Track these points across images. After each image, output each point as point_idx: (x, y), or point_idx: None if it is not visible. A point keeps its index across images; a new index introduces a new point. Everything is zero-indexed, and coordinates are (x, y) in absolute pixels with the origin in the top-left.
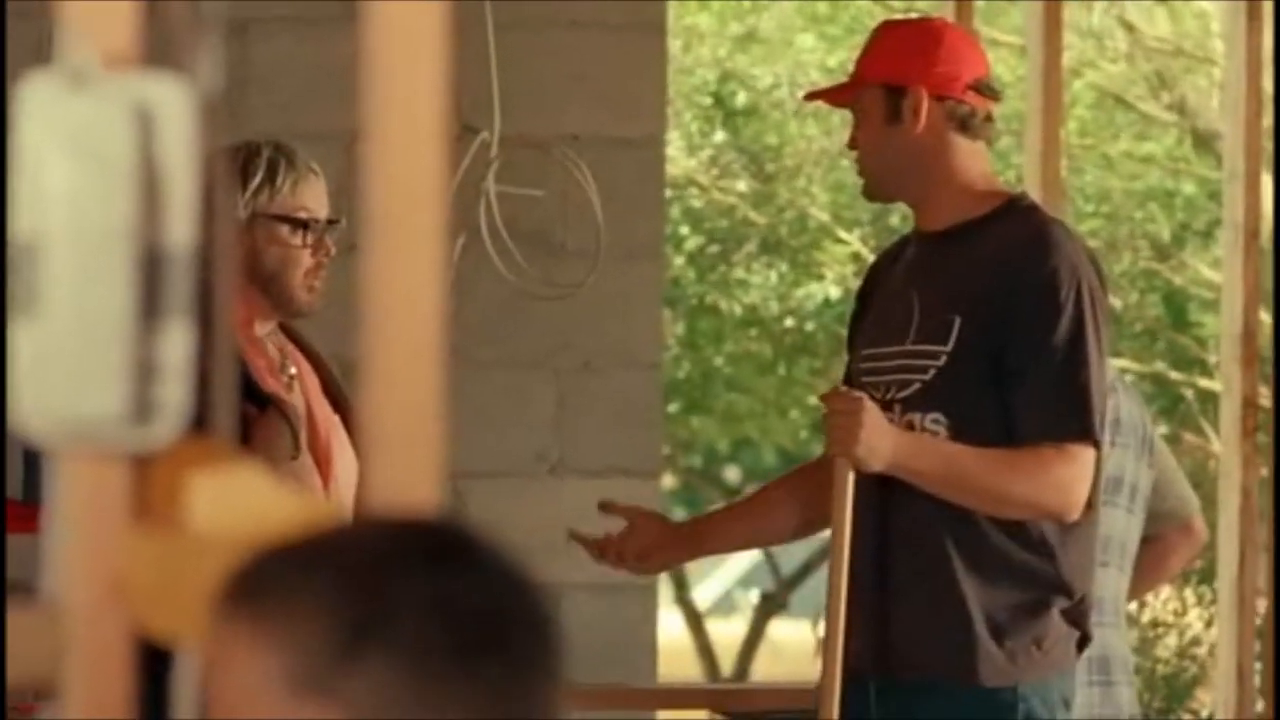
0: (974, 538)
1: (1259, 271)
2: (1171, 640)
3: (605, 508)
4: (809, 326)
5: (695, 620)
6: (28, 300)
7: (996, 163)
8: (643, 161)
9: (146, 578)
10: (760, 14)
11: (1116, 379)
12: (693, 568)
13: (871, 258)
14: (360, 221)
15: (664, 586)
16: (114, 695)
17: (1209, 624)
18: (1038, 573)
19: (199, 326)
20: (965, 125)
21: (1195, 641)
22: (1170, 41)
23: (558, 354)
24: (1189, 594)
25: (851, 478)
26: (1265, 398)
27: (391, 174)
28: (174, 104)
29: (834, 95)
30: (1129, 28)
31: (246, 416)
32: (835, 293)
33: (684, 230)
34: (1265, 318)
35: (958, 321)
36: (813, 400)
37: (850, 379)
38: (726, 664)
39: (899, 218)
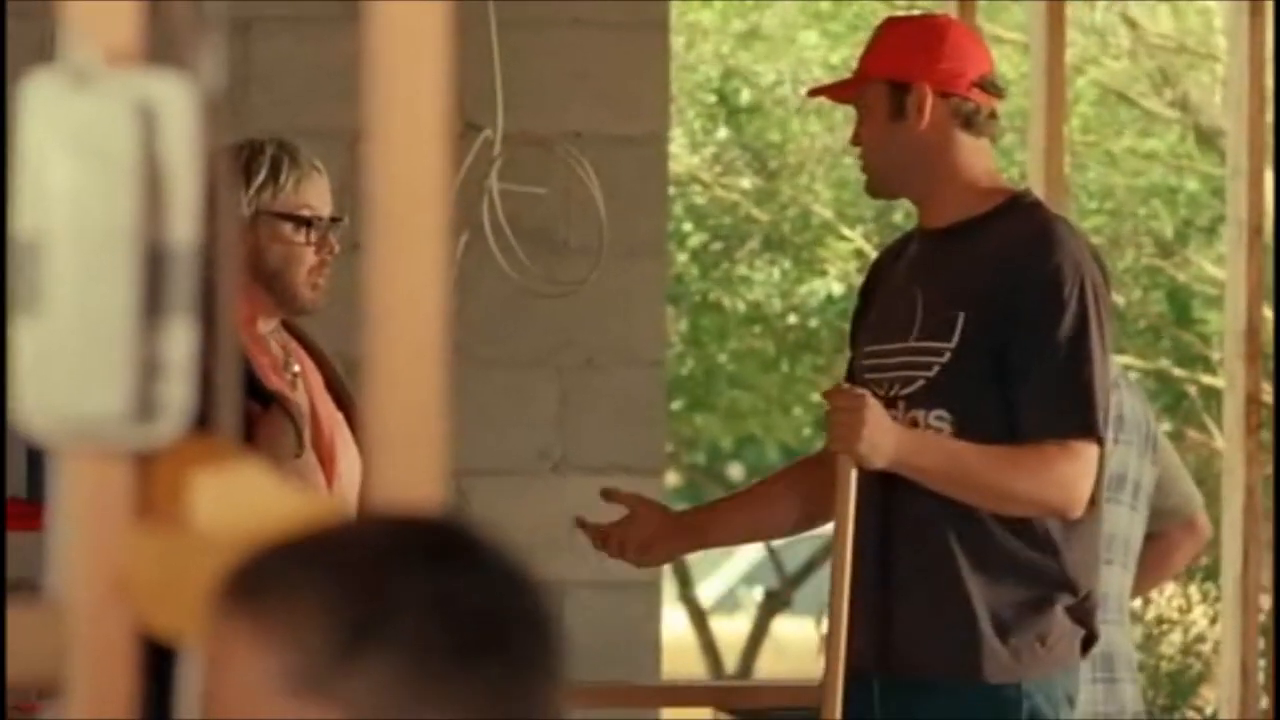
0: (978, 534)
1: (1262, 268)
2: (1176, 637)
3: (608, 495)
4: (812, 323)
5: (699, 618)
6: (30, 298)
7: (1000, 160)
8: (645, 159)
9: (149, 576)
10: (763, 11)
11: (1120, 375)
12: (696, 565)
13: (874, 255)
14: (363, 220)
15: (668, 584)
16: (117, 694)
17: (1213, 621)
18: (1042, 570)
19: (202, 324)
20: (969, 122)
21: (1199, 638)
22: (1173, 38)
23: (560, 351)
24: (1193, 591)
25: (854, 474)
26: (1269, 394)
27: (394, 172)
28: (177, 102)
29: (838, 91)
30: (1132, 24)
31: (250, 414)
32: (838, 289)
33: (687, 227)
34: (1268, 314)
35: (961, 318)
36: (816, 397)
37: (853, 376)
38: (730, 661)
39: (902, 214)
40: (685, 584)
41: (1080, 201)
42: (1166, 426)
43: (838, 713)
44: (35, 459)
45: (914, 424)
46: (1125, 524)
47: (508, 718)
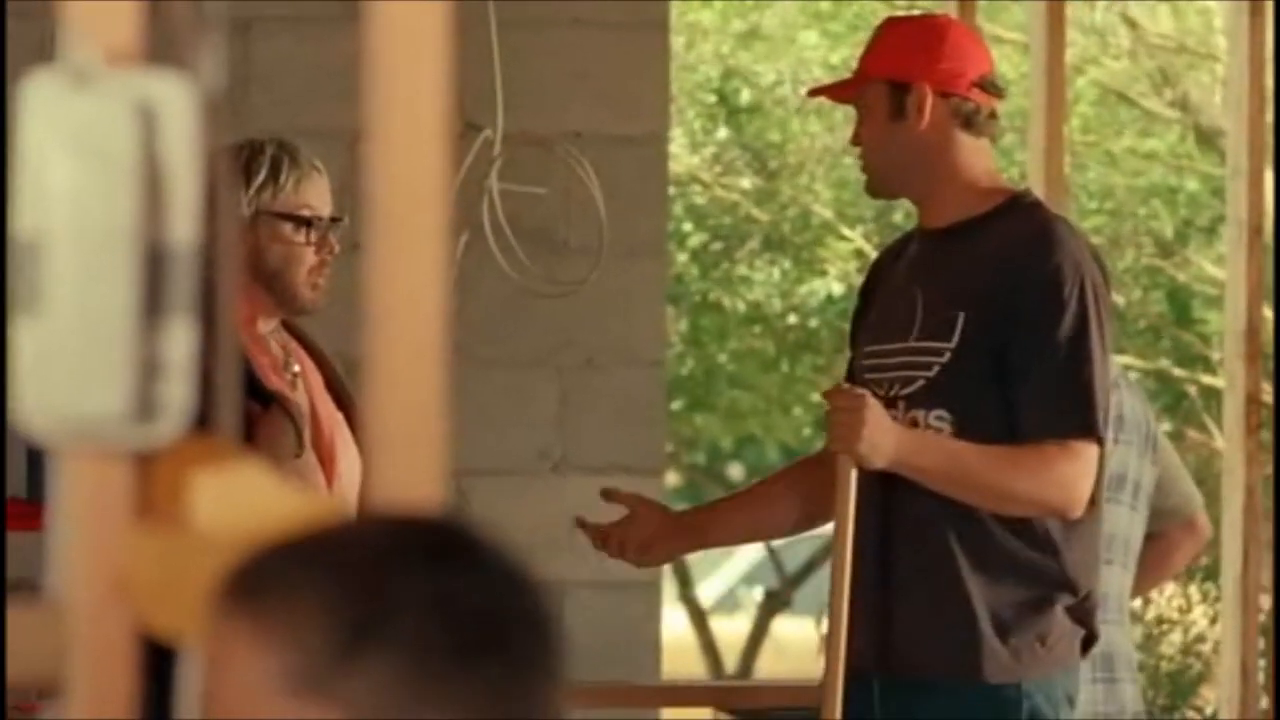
0: (978, 534)
1: (1262, 268)
2: (1176, 637)
3: (608, 495)
4: (812, 323)
5: (699, 618)
6: (30, 298)
7: (1000, 160)
8: (645, 159)
9: (150, 576)
10: (763, 11)
11: (1120, 375)
12: (696, 565)
13: (874, 255)
14: (363, 220)
15: (668, 584)
16: (117, 694)
17: (1213, 621)
18: (1041, 570)
19: (202, 324)
20: (969, 122)
21: (1200, 639)
22: (1173, 38)
23: (560, 351)
24: (1193, 591)
25: (854, 475)
26: (1269, 394)
27: (394, 172)
28: (176, 102)
29: (838, 91)
30: (1132, 24)
31: (250, 414)
32: (838, 289)
33: (687, 227)
34: (1268, 314)
35: (961, 318)
36: (816, 397)
37: (853, 376)
38: (730, 661)
39: (902, 214)
40: (685, 584)
41: (1080, 201)
42: (1166, 426)
43: (838, 713)
44: (35, 459)
45: (914, 424)
46: (1125, 524)
47: (508, 717)
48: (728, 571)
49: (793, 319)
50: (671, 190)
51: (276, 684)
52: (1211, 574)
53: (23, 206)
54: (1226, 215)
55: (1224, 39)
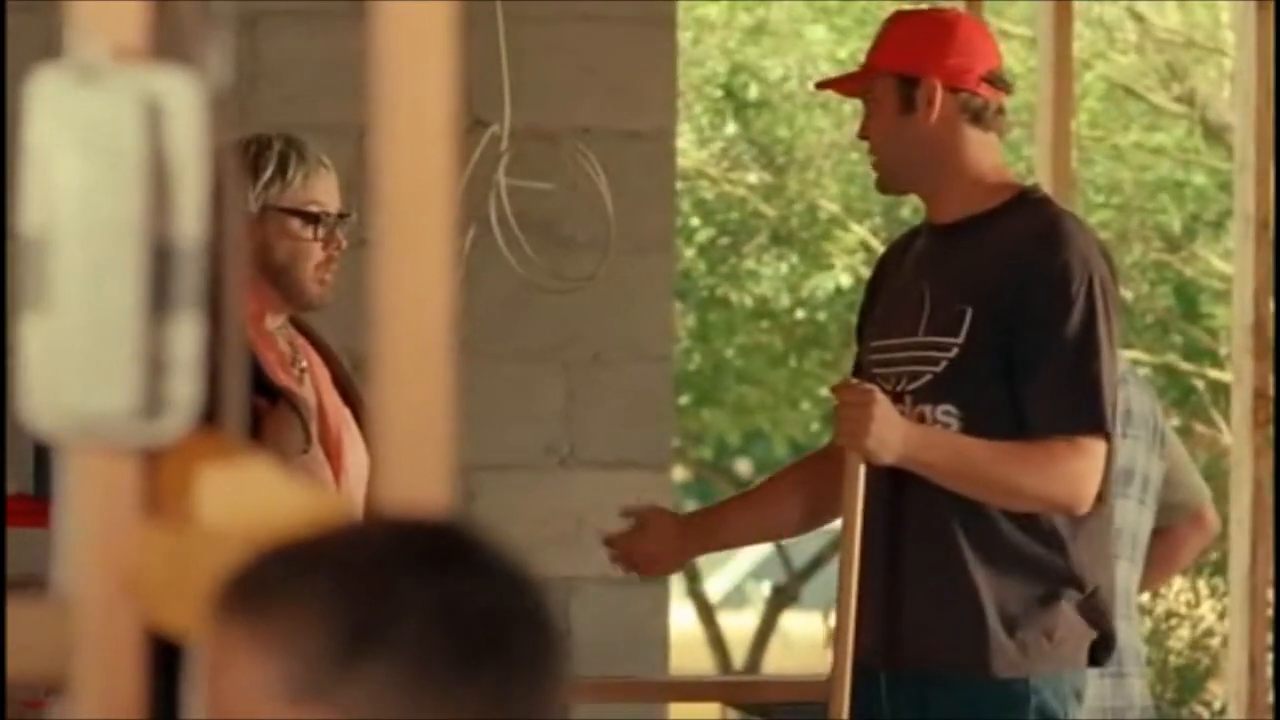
0: (985, 530)
1: (1270, 263)
2: (1184, 632)
3: (627, 513)
4: (820, 317)
5: (707, 613)
6: (37, 295)
7: (1007, 154)
8: (653, 154)
9: (157, 572)
10: (770, 6)
11: (1128, 371)
12: (704, 560)
13: (881, 249)
14: (370, 215)
15: (676, 579)
16: (125, 690)
17: (1222, 616)
18: (1048, 565)
19: (209, 320)
20: (978, 117)
21: (1208, 633)
22: (1180, 33)
23: (568, 347)
24: (1201, 585)
25: (862, 470)
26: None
27: (401, 168)
28: (184, 98)
29: (845, 84)
30: (1139, 19)
31: (257, 410)
32: (846, 281)
33: (695, 222)
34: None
35: (969, 313)
36: (824, 392)
37: (860, 370)
38: (738, 656)
39: (910, 209)
40: (693, 579)
41: (1087, 196)
42: (1174, 421)
43: (845, 707)
44: (42, 455)
45: (921, 419)
46: (1133, 519)
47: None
48: (735, 567)
49: (800, 314)
50: (679, 185)
51: (276, 691)
52: (1220, 568)
53: (30, 203)
54: (1234, 210)
55: (1232, 33)
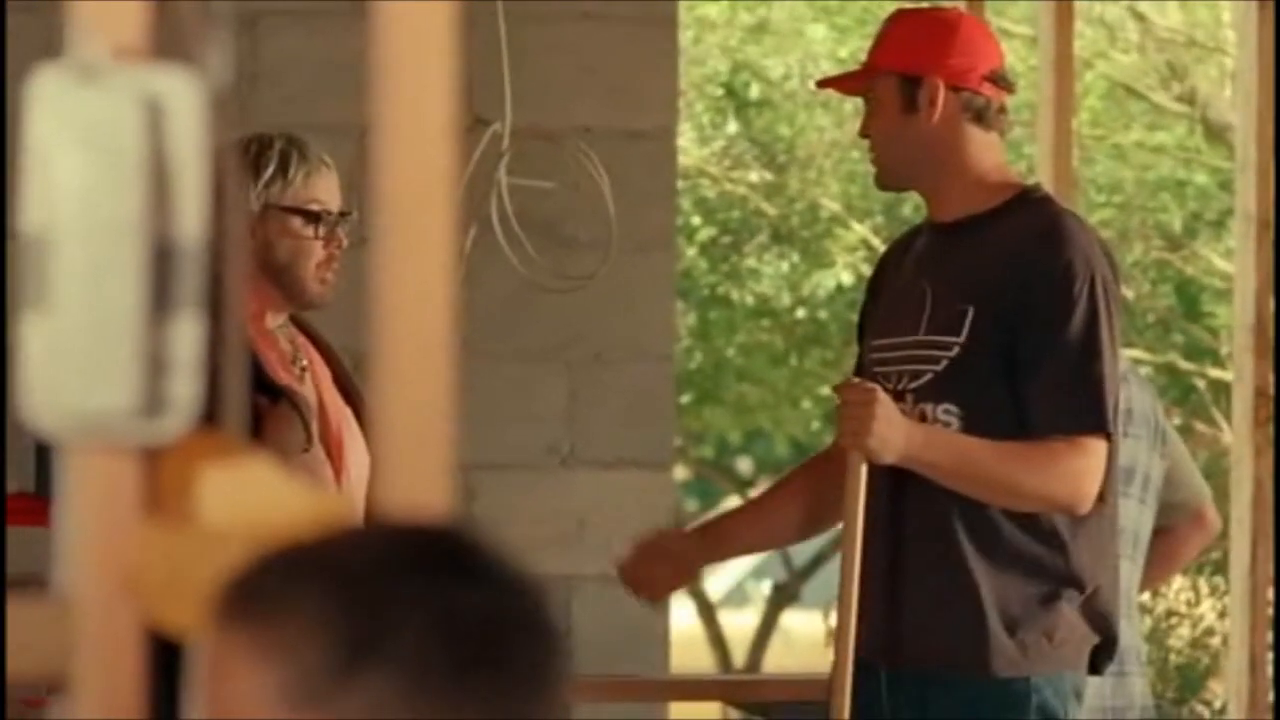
0: (986, 529)
1: (1271, 262)
2: (1184, 631)
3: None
4: (821, 315)
5: (707, 611)
6: (38, 294)
7: (1008, 153)
8: (654, 153)
9: (157, 571)
10: (770, 5)
11: (1129, 370)
12: None
13: (882, 247)
14: (371, 214)
15: None
16: (125, 689)
17: (1222, 615)
18: (1048, 565)
19: (210, 319)
20: (980, 116)
21: (1209, 632)
22: (1181, 32)
23: (569, 346)
24: (1202, 584)
25: (864, 469)
26: None
27: (402, 167)
28: (184, 97)
29: (846, 83)
30: (1140, 18)
31: (258, 409)
32: (847, 280)
33: (696, 221)
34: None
35: (971, 313)
36: (825, 391)
37: (862, 370)
38: (739, 655)
39: (911, 208)
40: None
41: (1089, 195)
42: (1175, 420)
43: (846, 706)
44: (43, 454)
45: (922, 417)
46: (1134, 518)
47: None
48: (736, 565)
49: (801, 313)
50: (680, 184)
51: (274, 698)
52: (1220, 567)
53: (30, 202)
54: (1235, 209)
55: (1233, 33)
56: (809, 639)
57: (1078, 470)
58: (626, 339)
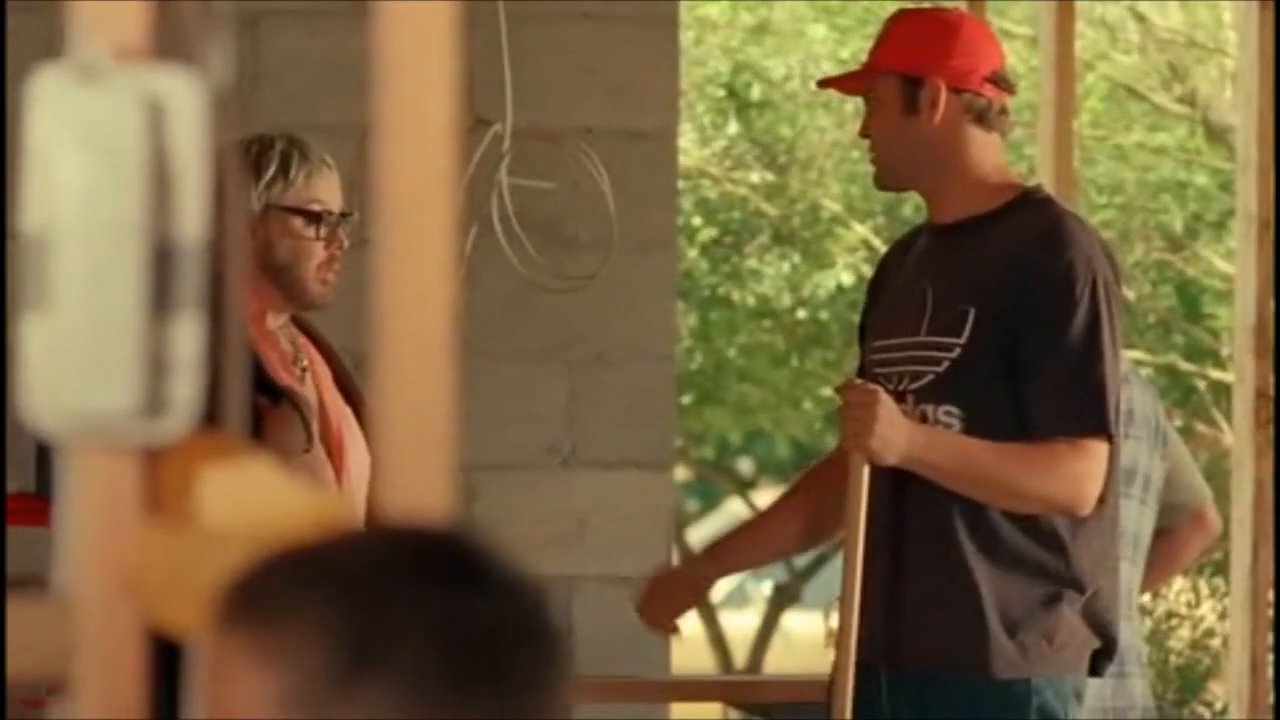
0: (987, 531)
1: (1272, 263)
2: (1185, 632)
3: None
4: (822, 316)
5: (708, 612)
6: (39, 294)
7: (1009, 154)
8: (655, 153)
9: (158, 572)
10: (772, 5)
11: (1130, 371)
12: None
13: (882, 248)
14: (372, 215)
15: None
16: (125, 690)
17: (1222, 616)
18: (1049, 567)
19: (211, 320)
20: (981, 118)
21: (1209, 633)
22: (1182, 33)
23: (570, 346)
24: (1202, 585)
25: (866, 471)
26: None
27: (403, 168)
28: (185, 97)
29: (847, 83)
30: (1141, 19)
31: (259, 409)
32: (847, 280)
33: (696, 222)
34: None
35: (972, 314)
36: (826, 392)
37: (863, 371)
38: (740, 656)
39: (912, 208)
40: None
41: (1090, 196)
42: (1176, 422)
43: (848, 708)
44: (44, 454)
45: (923, 418)
46: (1135, 519)
47: None
48: None
49: (802, 313)
50: (681, 185)
51: (274, 704)
52: (1220, 568)
53: (31, 202)
54: (1236, 210)
55: (1234, 33)
56: (810, 640)
57: (1079, 472)
58: (627, 339)
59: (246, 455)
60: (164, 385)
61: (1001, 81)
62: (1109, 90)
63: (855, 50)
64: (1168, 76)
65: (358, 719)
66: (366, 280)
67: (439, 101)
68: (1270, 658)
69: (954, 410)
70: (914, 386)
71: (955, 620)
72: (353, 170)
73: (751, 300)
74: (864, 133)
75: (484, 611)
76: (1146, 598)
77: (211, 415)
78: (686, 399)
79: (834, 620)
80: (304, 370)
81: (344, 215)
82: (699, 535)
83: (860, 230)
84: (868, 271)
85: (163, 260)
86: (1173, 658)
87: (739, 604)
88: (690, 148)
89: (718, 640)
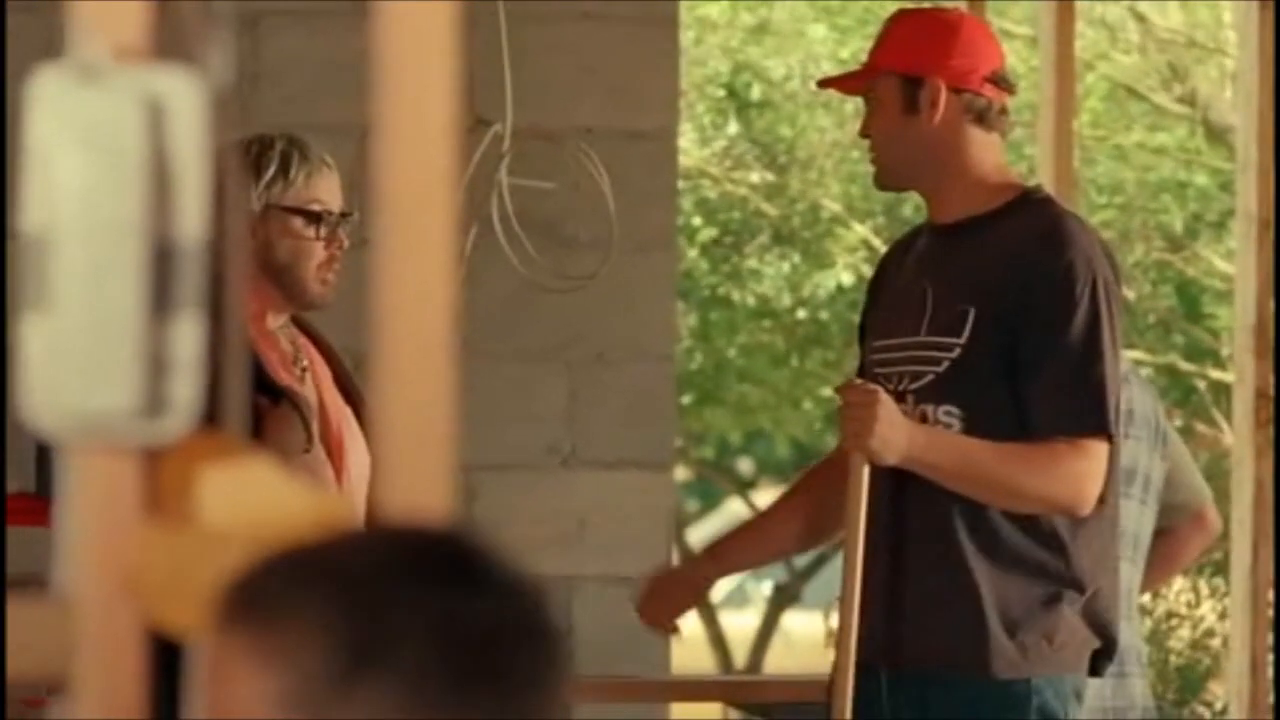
0: (987, 530)
1: (1272, 263)
2: (1185, 632)
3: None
4: (822, 316)
5: (708, 612)
6: (39, 294)
7: (1009, 154)
8: (655, 153)
9: (158, 572)
10: (771, 5)
11: (1130, 371)
12: None
13: (882, 247)
14: (372, 215)
15: None
16: (125, 690)
17: (1222, 616)
18: (1049, 567)
19: (211, 320)
20: (981, 118)
21: (1209, 633)
22: (1182, 32)
23: (570, 346)
24: (1202, 585)
25: (866, 471)
26: None
27: (403, 168)
28: (185, 97)
29: (847, 82)
30: (1141, 19)
31: (259, 409)
32: (847, 280)
33: (697, 222)
34: None
35: (972, 314)
36: (826, 392)
37: (863, 371)
38: (740, 656)
39: (912, 208)
40: None
41: (1090, 196)
42: (1176, 422)
43: (848, 708)
44: (44, 454)
45: (923, 418)
46: (1135, 519)
47: None
48: None
49: (802, 313)
50: (681, 185)
51: (273, 704)
52: (1220, 569)
53: (31, 202)
54: (1236, 209)
55: (1234, 33)
56: (810, 640)
57: (1079, 472)
58: (627, 339)
59: (246, 455)
60: (164, 385)
61: (1002, 81)
62: (1109, 90)
63: (855, 50)
64: (1168, 76)
65: (358, 719)
66: (366, 280)
67: (439, 101)
68: (1270, 658)
69: (954, 410)
70: (914, 386)
71: (955, 620)
72: (353, 170)
73: (751, 300)
74: (864, 133)
75: (484, 612)
76: (1146, 598)
77: (211, 415)
78: (686, 399)
79: (834, 620)
80: (304, 370)
81: (344, 215)
82: (699, 535)
83: (860, 230)
84: (868, 271)
85: (163, 260)
86: (1173, 658)
87: (739, 604)
88: (690, 148)
89: (718, 640)
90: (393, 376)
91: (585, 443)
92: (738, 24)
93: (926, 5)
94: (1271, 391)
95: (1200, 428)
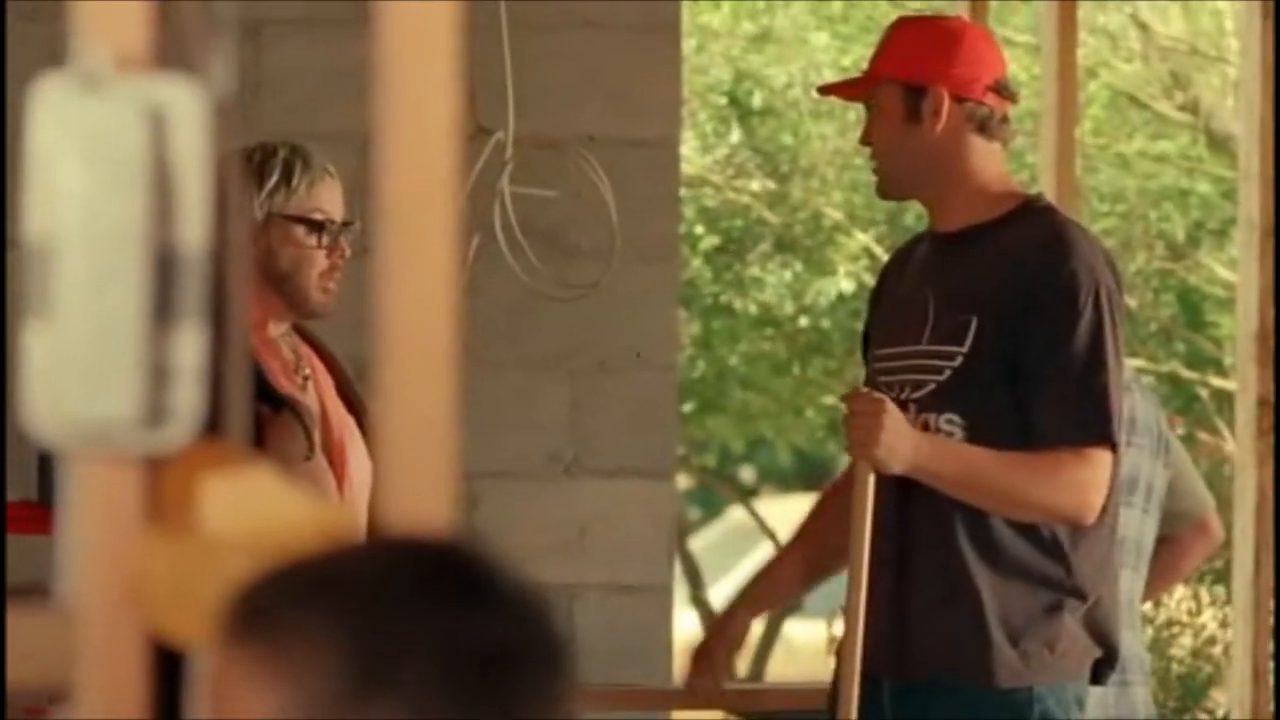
0: (989, 539)
1: (1273, 270)
2: (1186, 640)
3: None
4: (824, 324)
5: (711, 620)
6: (41, 303)
7: (1011, 163)
8: (657, 161)
9: (160, 581)
10: (774, 13)
11: (1132, 379)
12: (708, 568)
13: (883, 255)
14: (374, 224)
15: (680, 587)
16: (127, 699)
17: (1224, 624)
18: (1050, 575)
19: (213, 328)
20: (984, 127)
21: (1211, 641)
22: (1184, 40)
23: (572, 354)
24: (1204, 593)
25: (872, 480)
26: None
27: (405, 176)
28: (187, 106)
29: (849, 89)
30: (1142, 27)
31: (261, 418)
32: (849, 287)
33: (699, 230)
34: None
35: (974, 323)
36: (827, 400)
37: (868, 381)
38: (742, 664)
39: (914, 216)
40: (697, 587)
41: (1091, 204)
42: (1178, 430)
43: (853, 716)
44: (46, 463)
45: (925, 427)
46: (1137, 527)
47: None
48: (739, 574)
49: (804, 321)
50: (683, 193)
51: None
52: (1221, 576)
53: (33, 210)
54: (1238, 218)
55: (1235, 41)
56: (812, 648)
57: (1083, 481)
58: (629, 348)
59: (248, 464)
60: (166, 394)
61: (1004, 90)
62: (1111, 98)
63: (857, 58)
64: (1169, 84)
65: None
66: (368, 289)
67: (440, 109)
68: (1272, 665)
69: (956, 419)
70: (916, 395)
71: (957, 629)
72: (355, 178)
73: (753, 308)
74: (865, 140)
75: (491, 628)
76: (1148, 606)
77: (213, 424)
78: (688, 407)
79: (837, 628)
80: (306, 379)
81: (346, 224)
82: (701, 543)
83: (862, 238)
84: (869, 280)
85: (164, 269)
86: (1174, 666)
87: None
88: (692, 156)
89: None
90: (395, 385)
91: (587, 451)
92: (740, 32)
93: (928, 13)
94: (1273, 399)
95: (1202, 436)
